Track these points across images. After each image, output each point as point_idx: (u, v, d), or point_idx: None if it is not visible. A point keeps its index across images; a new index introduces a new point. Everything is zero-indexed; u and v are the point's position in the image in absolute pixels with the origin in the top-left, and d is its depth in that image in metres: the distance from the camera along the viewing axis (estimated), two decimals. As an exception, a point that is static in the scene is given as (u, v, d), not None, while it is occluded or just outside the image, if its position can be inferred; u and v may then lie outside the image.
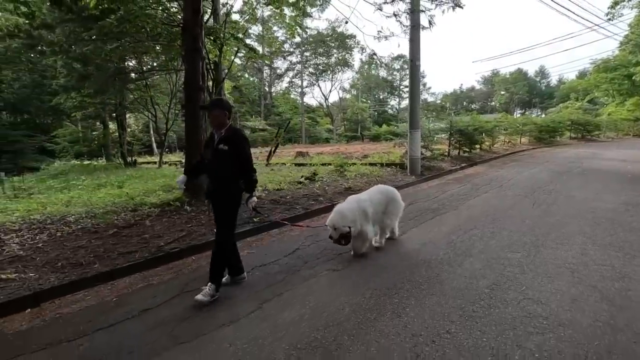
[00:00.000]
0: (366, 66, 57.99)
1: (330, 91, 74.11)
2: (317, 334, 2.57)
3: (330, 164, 11.22)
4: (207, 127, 6.76)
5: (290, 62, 49.47)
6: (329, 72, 51.26)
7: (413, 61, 9.46)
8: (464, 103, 67.19)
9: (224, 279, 3.41)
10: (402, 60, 56.91)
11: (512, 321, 2.63)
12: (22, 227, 5.21)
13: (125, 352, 2.49)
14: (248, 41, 19.77)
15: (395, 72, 59.84)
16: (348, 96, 60.24)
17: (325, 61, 49.35)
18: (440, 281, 3.34)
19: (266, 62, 41.29)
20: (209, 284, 3.17)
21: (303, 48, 45.62)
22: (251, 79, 48.76)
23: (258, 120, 43.19)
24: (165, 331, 2.71)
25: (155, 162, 20.55)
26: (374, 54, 15.56)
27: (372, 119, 53.48)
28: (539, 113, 60.95)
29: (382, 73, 60.15)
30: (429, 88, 70.04)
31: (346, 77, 67.80)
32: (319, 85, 53.02)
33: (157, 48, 9.86)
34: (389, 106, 62.77)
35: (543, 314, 2.71)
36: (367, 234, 3.98)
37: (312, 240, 4.73)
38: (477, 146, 14.23)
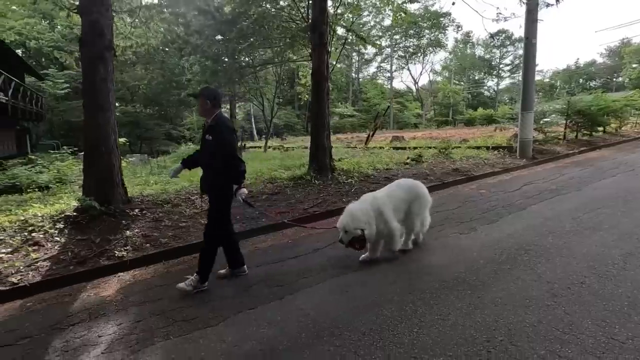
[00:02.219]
0: (461, 45, 54.12)
1: (420, 74, 71.11)
2: (459, 274, 3.20)
3: (431, 147, 11.42)
4: (330, 112, 7.73)
5: (380, 45, 48.81)
6: (419, 54, 49.39)
7: (529, 39, 9.03)
8: (580, 80, 58.00)
9: (223, 271, 3.50)
10: (503, 35, 51.61)
11: (650, 281, 2.87)
12: (195, 193, 6.85)
13: (306, 270, 3.51)
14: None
15: (494, 50, 54.59)
16: (439, 79, 57.28)
17: (416, 43, 47.59)
18: (568, 248, 3.63)
19: (370, 47, 41.40)
20: (195, 274, 3.23)
21: (393, 31, 44.58)
22: (339, 65, 49.73)
23: (346, 107, 44.06)
24: (329, 263, 3.66)
25: (260, 147, 23.04)
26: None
27: (466, 102, 50.04)
28: (687, 89, 49.49)
29: (479, 51, 55.46)
30: (536, 65, 62.08)
31: (438, 58, 64.31)
32: (408, 69, 51.64)
33: (280, 44, 11.22)
34: (485, 88, 57.77)
35: (685, 278, 2.88)
36: (394, 232, 3.53)
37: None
38: (601, 129, 12.74)
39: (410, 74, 58.20)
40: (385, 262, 3.60)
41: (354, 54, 48.98)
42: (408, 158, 9.00)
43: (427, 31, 46.23)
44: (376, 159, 9.76)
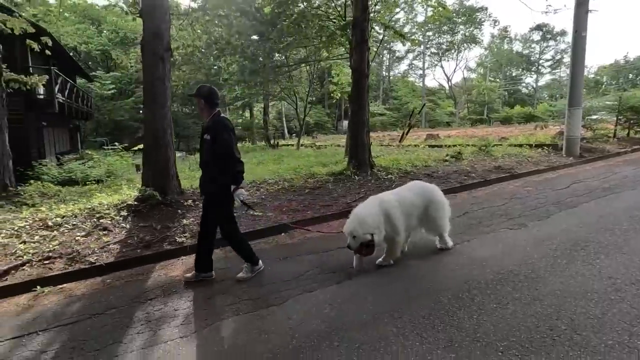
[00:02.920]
0: (497, 40, 52.14)
1: (453, 71, 69.20)
2: (514, 267, 3.21)
3: (469, 145, 11.20)
4: (369, 109, 7.81)
5: (418, 42, 47.98)
6: (453, 51, 48.07)
7: (578, 32, 8.65)
8: (629, 76, 54.15)
9: (189, 275, 3.44)
10: (544, 29, 49.19)
11: None
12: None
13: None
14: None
15: (533, 45, 52.15)
16: (473, 76, 55.45)
17: (450, 39, 46.36)
18: (629, 245, 3.53)
19: (402, 44, 40.85)
20: (246, 263, 3.35)
21: (426, 27, 43.70)
22: (371, 64, 49.38)
23: (377, 105, 43.72)
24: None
25: (292, 145, 23.45)
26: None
27: (502, 99, 48.19)
28: None
29: (517, 47, 53.18)
30: (579, 60, 58.51)
31: (472, 54, 62.17)
32: (441, 66, 50.46)
33: (317, 43, 11.42)
34: (523, 84, 55.30)
35: None
36: (396, 244, 3.37)
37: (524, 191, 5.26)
38: (657, 126, 11.93)
39: (444, 71, 56.98)
40: (436, 254, 3.66)
41: (385, 51, 48.50)
42: (447, 155, 8.91)
43: (461, 27, 44.91)
44: (413, 156, 9.72)
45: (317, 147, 19.30)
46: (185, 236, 4.55)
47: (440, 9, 11.02)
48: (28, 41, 7.83)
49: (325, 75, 28.00)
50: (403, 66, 55.37)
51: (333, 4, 11.30)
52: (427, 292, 2.88)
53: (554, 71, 52.76)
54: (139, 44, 5.80)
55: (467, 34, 45.66)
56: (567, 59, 49.71)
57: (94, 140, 27.11)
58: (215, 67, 26.12)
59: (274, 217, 5.19)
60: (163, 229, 4.79)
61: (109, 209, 5.34)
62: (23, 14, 9.44)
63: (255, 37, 12.59)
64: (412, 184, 3.82)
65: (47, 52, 8.07)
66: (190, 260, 4.04)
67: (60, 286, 3.51)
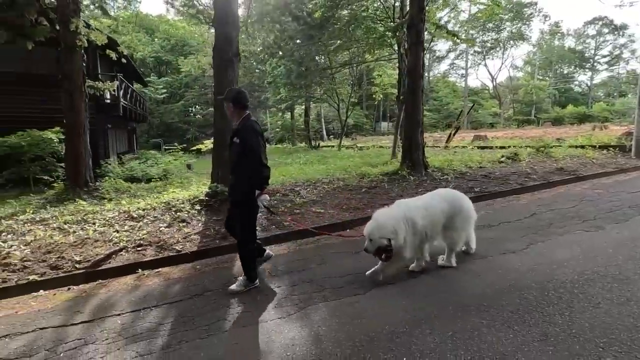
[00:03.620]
0: (547, 37, 49.31)
1: (499, 70, 66.37)
2: (599, 269, 3.14)
3: (524, 147, 10.78)
4: (423, 109, 7.81)
5: (473, 41, 46.45)
6: (498, 49, 46.08)
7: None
8: (702, 71, 48.91)
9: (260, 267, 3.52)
10: (599, 23, 45.86)
11: None
12: (297, 185, 7.43)
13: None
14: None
15: (588, 40, 48.71)
16: (520, 74, 52.86)
17: (495, 37, 44.46)
18: None
19: (442, 44, 39.93)
20: (243, 275, 3.29)
21: (470, 25, 42.25)
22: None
23: (416, 106, 42.83)
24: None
25: (332, 146, 23.70)
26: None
27: (552, 99, 45.47)
28: None
29: (569, 42, 49.97)
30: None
31: (519, 52, 59.19)
32: (485, 65, 48.53)
33: (365, 45, 11.58)
34: (576, 83, 51.82)
35: None
36: (406, 253, 3.16)
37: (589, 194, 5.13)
38: None
39: (488, 70, 54.62)
40: (514, 253, 3.65)
41: (425, 51, 47.34)
42: (503, 157, 8.66)
43: (507, 23, 42.92)
44: (464, 157, 9.55)
45: (359, 148, 19.36)
46: (257, 229, 4.85)
47: (495, 6, 10.77)
48: (107, 51, 8.64)
49: (363, 77, 28.01)
50: (443, 66, 53.93)
51: (381, 6, 11.39)
52: (510, 289, 2.90)
53: (611, 68, 48.95)
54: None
55: (513, 30, 43.59)
56: (626, 54, 46.02)
57: (146, 141, 28.98)
58: (257, 71, 27.09)
59: (336, 215, 5.38)
60: (235, 222, 5.13)
61: (183, 204, 5.80)
62: (97, 25, 10.42)
63: (299, 40, 12.96)
64: (442, 192, 3.64)
65: (123, 60, 8.84)
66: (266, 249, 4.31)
67: (157, 270, 3.91)
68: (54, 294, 3.49)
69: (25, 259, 4.08)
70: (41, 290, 3.54)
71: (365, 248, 3.12)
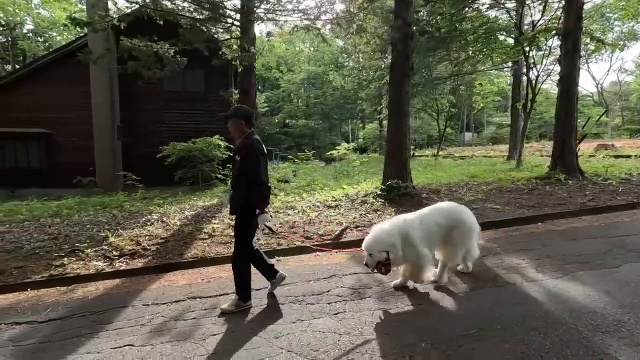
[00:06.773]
0: (668, 34, 43.08)
1: (605, 74, 59.56)
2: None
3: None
4: (576, 115, 7.93)
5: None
6: (603, 51, 41.60)
7: None
8: None
9: (268, 287, 3.44)
10: None
11: None
12: (446, 185, 8.00)
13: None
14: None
15: None
16: (630, 78, 46.88)
17: (602, 37, 40.24)
18: None
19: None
20: (235, 296, 3.21)
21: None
22: (494, 71, 46.22)
23: (506, 115, 40.76)
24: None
25: (425, 156, 23.84)
26: None
27: (675, 105, 39.53)
28: None
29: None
30: None
31: (631, 54, 52.50)
32: (588, 69, 44.04)
33: (486, 53, 11.95)
34: None
35: None
36: (422, 259, 3.16)
37: None
38: None
39: (591, 74, 49.34)
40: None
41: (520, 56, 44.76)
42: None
43: (616, 22, 38.71)
44: (607, 162, 9.25)
45: (460, 157, 19.26)
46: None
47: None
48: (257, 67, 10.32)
49: (459, 86, 27.71)
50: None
51: (506, 18, 11.66)
52: (613, 301, 2.83)
53: None
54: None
55: (623, 30, 39.12)
56: None
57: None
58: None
59: (512, 211, 5.86)
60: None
61: (366, 196, 6.80)
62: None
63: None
64: (441, 206, 3.62)
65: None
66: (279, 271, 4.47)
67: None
68: (330, 255, 4.56)
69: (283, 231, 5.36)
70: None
71: (366, 263, 3.19)
